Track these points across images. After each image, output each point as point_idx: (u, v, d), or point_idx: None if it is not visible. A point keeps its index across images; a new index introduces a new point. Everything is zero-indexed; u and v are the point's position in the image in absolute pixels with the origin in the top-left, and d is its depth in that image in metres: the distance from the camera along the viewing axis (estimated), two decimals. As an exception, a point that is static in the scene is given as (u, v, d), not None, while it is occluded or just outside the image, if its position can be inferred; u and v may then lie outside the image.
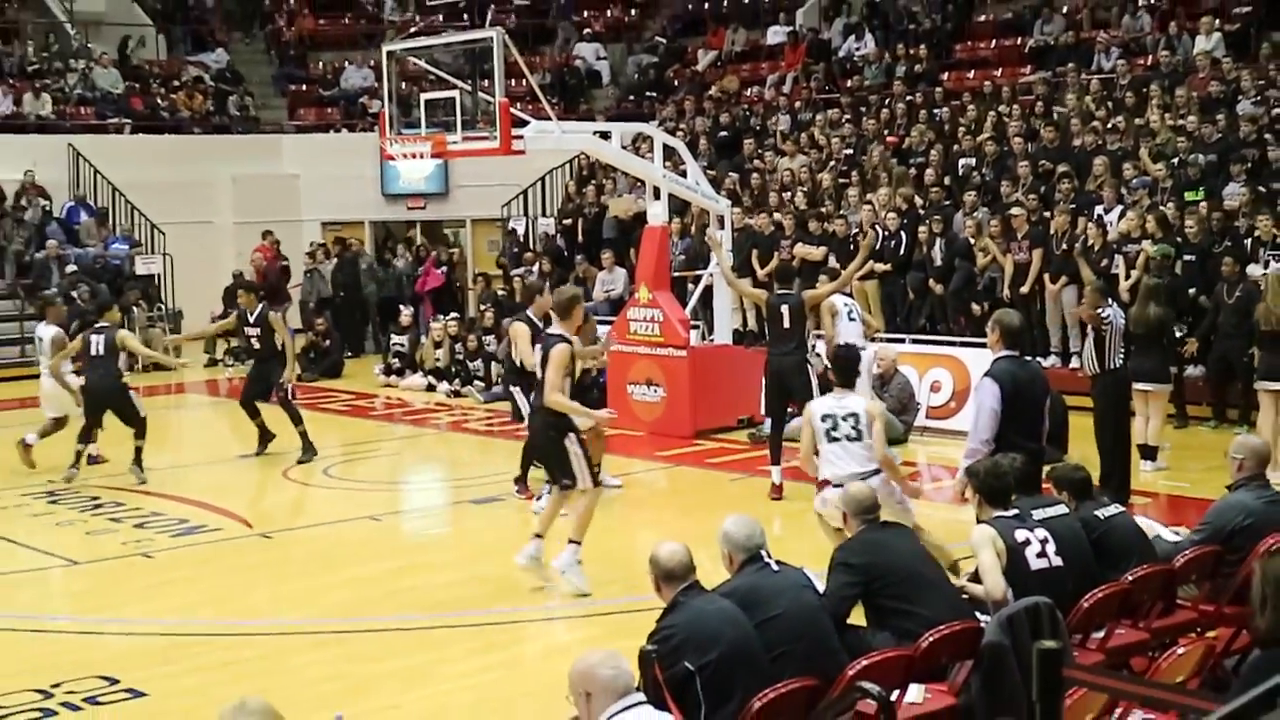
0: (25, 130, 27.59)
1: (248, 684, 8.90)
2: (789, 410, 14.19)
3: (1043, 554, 7.39)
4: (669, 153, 18.37)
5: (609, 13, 33.62)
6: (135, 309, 24.49)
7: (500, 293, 23.77)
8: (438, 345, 21.98)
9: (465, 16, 29.76)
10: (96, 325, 15.93)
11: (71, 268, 24.73)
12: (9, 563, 12.20)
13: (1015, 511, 7.60)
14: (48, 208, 26.47)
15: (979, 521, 7.71)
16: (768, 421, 16.46)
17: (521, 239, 26.14)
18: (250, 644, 9.90)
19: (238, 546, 12.70)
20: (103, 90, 29.15)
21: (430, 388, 21.52)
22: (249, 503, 14.32)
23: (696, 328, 18.38)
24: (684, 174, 18.31)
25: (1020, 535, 7.41)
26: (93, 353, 15.42)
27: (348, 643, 9.89)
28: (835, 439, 10.21)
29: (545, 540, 10.88)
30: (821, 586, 7.19)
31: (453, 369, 21.58)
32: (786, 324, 14.07)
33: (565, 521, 11.01)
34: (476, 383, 20.99)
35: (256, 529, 13.25)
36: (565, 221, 25.42)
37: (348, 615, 10.54)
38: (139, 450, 15.31)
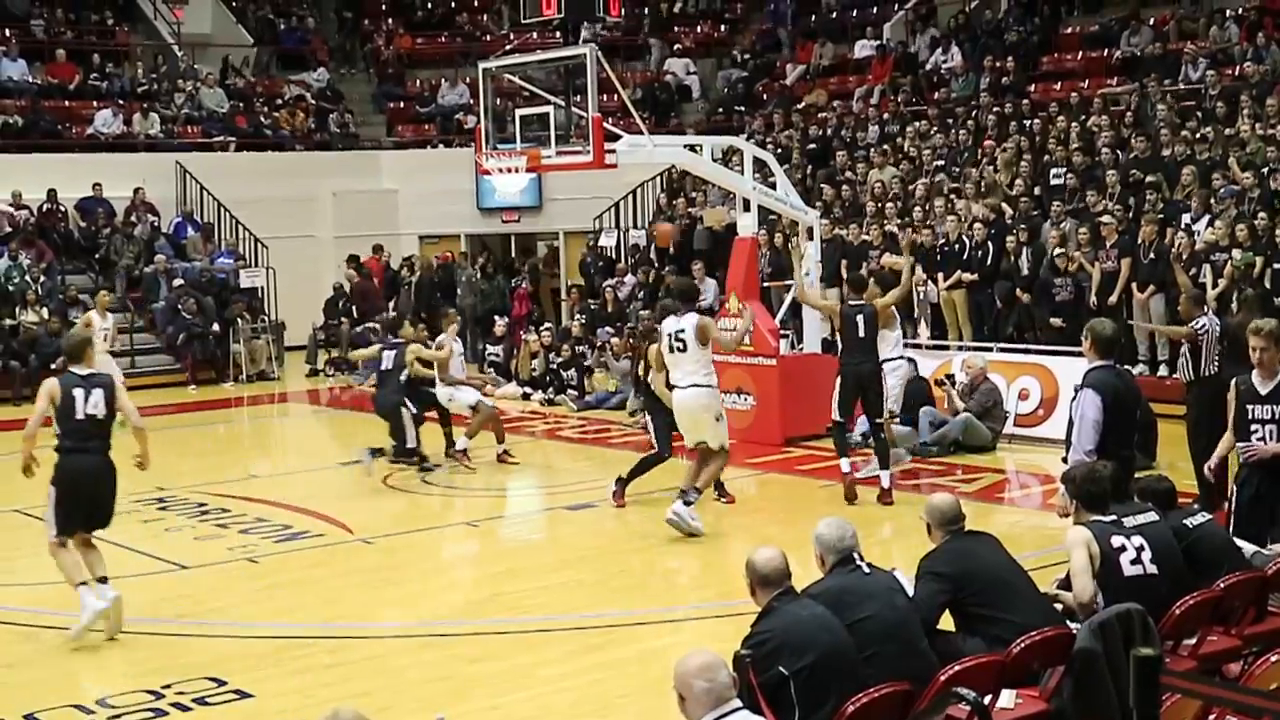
0: (135, 149, 28.03)
1: (351, 685, 9.01)
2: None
3: (1137, 560, 7.29)
4: (759, 165, 18.33)
5: (699, 28, 33.68)
6: (240, 320, 24.81)
7: (593, 305, 23.84)
8: (534, 356, 22.11)
9: (558, 34, 29.87)
10: (390, 341, 16.26)
11: (179, 281, 25.07)
12: (121, 567, 12.30)
13: (1112, 517, 7.51)
14: (156, 223, 26.84)
15: (1075, 525, 7.62)
16: (859, 427, 16.48)
17: (606, 253, 26.17)
18: (354, 646, 9.98)
19: (340, 552, 12.80)
20: (209, 109, 29.57)
21: (525, 396, 21.64)
22: (350, 509, 14.40)
23: (786, 337, 18.34)
24: (773, 186, 18.27)
25: (1116, 541, 7.32)
26: (382, 368, 15.80)
27: (448, 645, 9.94)
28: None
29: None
30: (911, 590, 7.15)
31: (547, 378, 21.69)
32: (862, 333, 14.05)
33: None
34: (570, 391, 21.11)
35: (358, 534, 13.34)
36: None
37: (448, 619, 10.60)
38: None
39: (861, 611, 6.63)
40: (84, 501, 10.41)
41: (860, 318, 14.07)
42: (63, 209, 26.46)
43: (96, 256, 26.20)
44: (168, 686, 9.00)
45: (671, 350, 12.81)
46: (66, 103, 28.86)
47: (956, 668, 6.26)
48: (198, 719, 8.57)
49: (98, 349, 19.25)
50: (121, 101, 28.91)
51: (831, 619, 6.47)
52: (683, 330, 12.72)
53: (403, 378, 15.71)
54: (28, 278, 24.14)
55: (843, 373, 14.20)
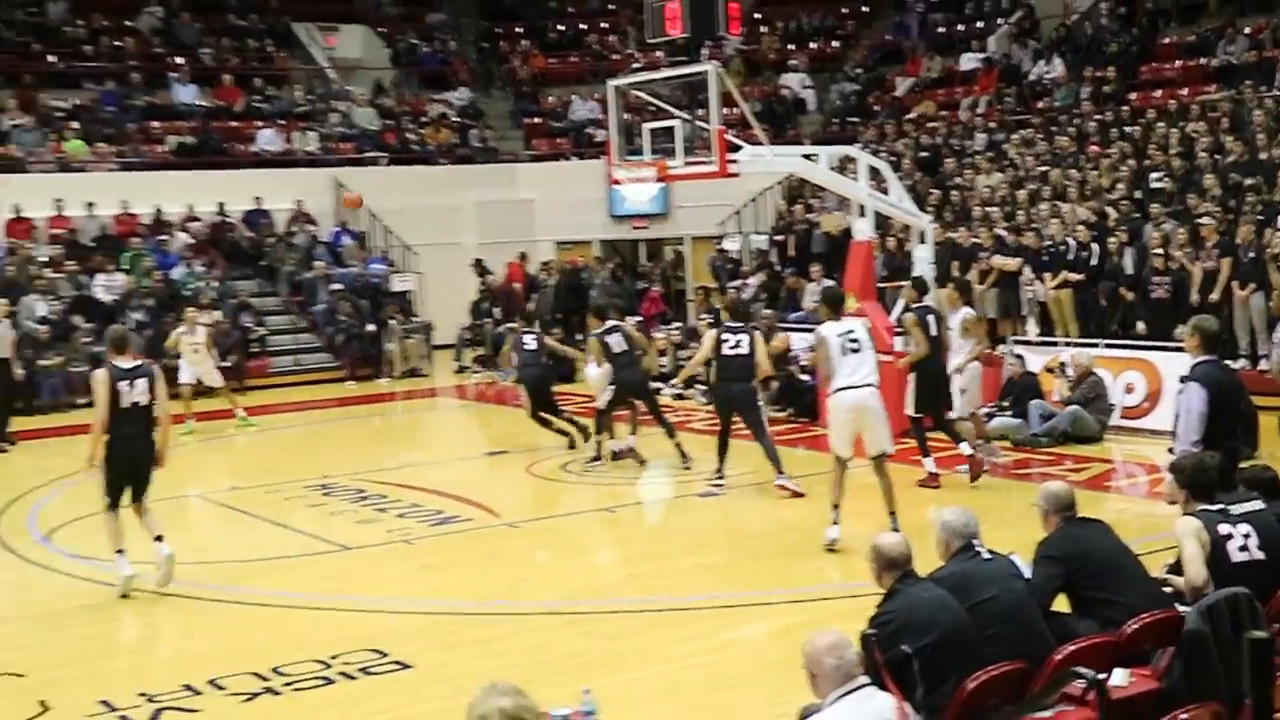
0: (295, 165, 28.47)
1: (501, 659, 9.09)
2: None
3: (1245, 548, 7.12)
4: (873, 173, 18.22)
5: (813, 45, 33.49)
6: (392, 321, 25.12)
7: (717, 306, 23.77)
8: (662, 353, 22.12)
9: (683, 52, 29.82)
10: (611, 326, 16.15)
11: (336, 286, 25.47)
12: (289, 548, 12.59)
13: (1219, 506, 7.36)
14: (315, 233, 27.30)
15: (1184, 515, 7.47)
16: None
17: (733, 256, 26.15)
18: (502, 622, 10.06)
19: (488, 535, 12.93)
20: (361, 128, 29.96)
21: (656, 391, 21.59)
22: (496, 496, 14.54)
23: (901, 334, 18.16)
24: (886, 192, 18.14)
25: (1223, 529, 7.16)
26: (616, 351, 15.83)
27: (590, 622, 10.00)
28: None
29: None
30: (1028, 574, 7.07)
31: (676, 374, 21.68)
32: (933, 332, 14.26)
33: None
34: (698, 386, 21.05)
35: (504, 519, 13.47)
36: (777, 237, 25.37)
37: (587, 598, 10.66)
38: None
39: (982, 594, 6.56)
40: (127, 477, 10.95)
41: (930, 318, 14.29)
42: (231, 221, 26.98)
43: (262, 264, 26.69)
44: (335, 657, 9.15)
45: (845, 352, 11.70)
46: (233, 123, 29.39)
47: (1072, 647, 6.18)
48: (363, 687, 8.70)
49: (191, 357, 19.41)
50: (282, 121, 29.40)
51: (951, 600, 6.41)
52: (853, 331, 11.84)
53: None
54: (201, 283, 24.68)
55: (919, 370, 14.24)
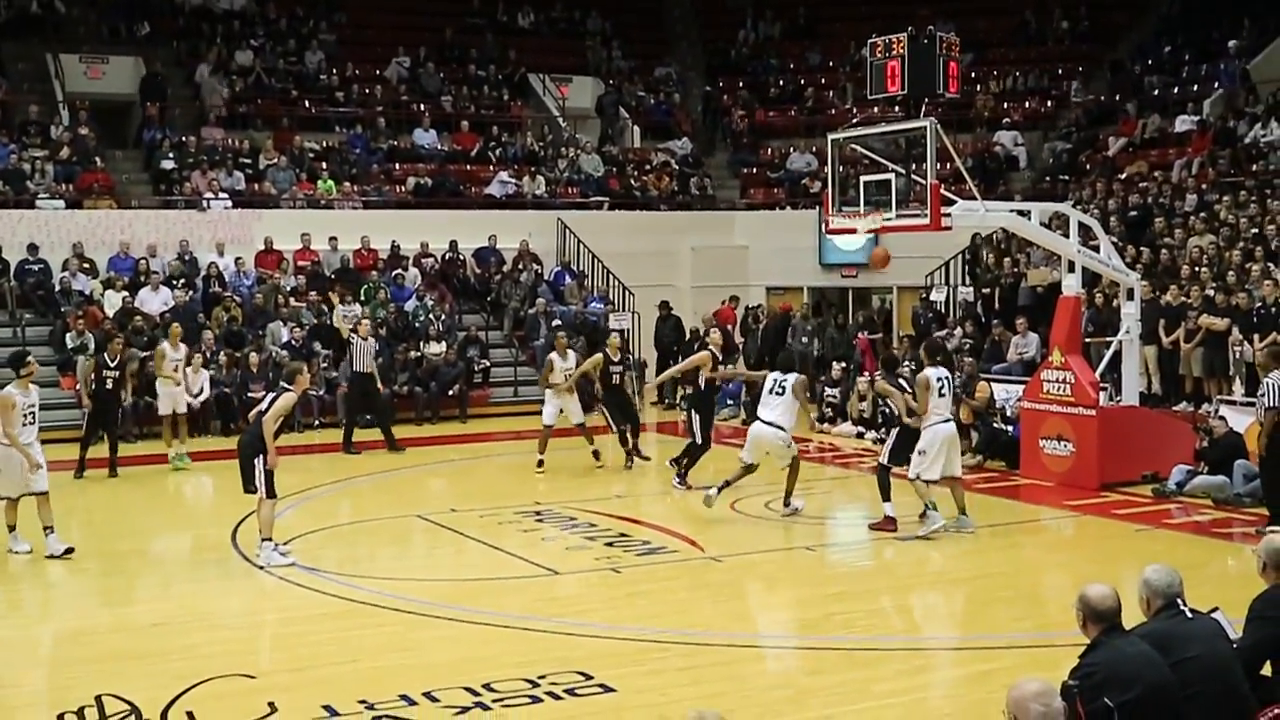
0: (524, 207, 29.02)
1: (703, 688, 9.04)
2: None
3: None
4: (1083, 230, 17.78)
5: (1027, 104, 32.87)
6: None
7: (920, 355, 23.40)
8: (863, 398, 21.88)
9: (898, 108, 29.56)
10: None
11: (556, 322, 25.76)
12: (504, 570, 12.74)
13: None
14: (539, 271, 27.71)
15: None
16: (1173, 476, 15.84)
17: (936, 308, 25.74)
18: (704, 652, 10.00)
19: (693, 567, 12.87)
20: (587, 173, 30.39)
21: (859, 435, 21.43)
22: (702, 530, 14.49)
23: (1105, 389, 17.67)
24: (1096, 249, 17.68)
25: None
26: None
27: (789, 657, 9.90)
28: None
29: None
30: (1232, 634, 6.75)
31: (878, 419, 21.41)
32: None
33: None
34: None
35: (709, 553, 13.41)
36: (984, 290, 24.93)
37: (787, 633, 10.55)
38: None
39: (1185, 653, 6.27)
40: None
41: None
42: (462, 258, 27.57)
43: (488, 299, 27.19)
44: (543, 677, 9.19)
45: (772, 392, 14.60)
46: (468, 167, 30.09)
47: (1276, 710, 5.88)
48: (568, 707, 8.72)
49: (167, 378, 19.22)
50: (515, 166, 29.99)
51: (1156, 657, 6.15)
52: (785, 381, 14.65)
53: None
54: (431, 315, 25.25)
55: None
